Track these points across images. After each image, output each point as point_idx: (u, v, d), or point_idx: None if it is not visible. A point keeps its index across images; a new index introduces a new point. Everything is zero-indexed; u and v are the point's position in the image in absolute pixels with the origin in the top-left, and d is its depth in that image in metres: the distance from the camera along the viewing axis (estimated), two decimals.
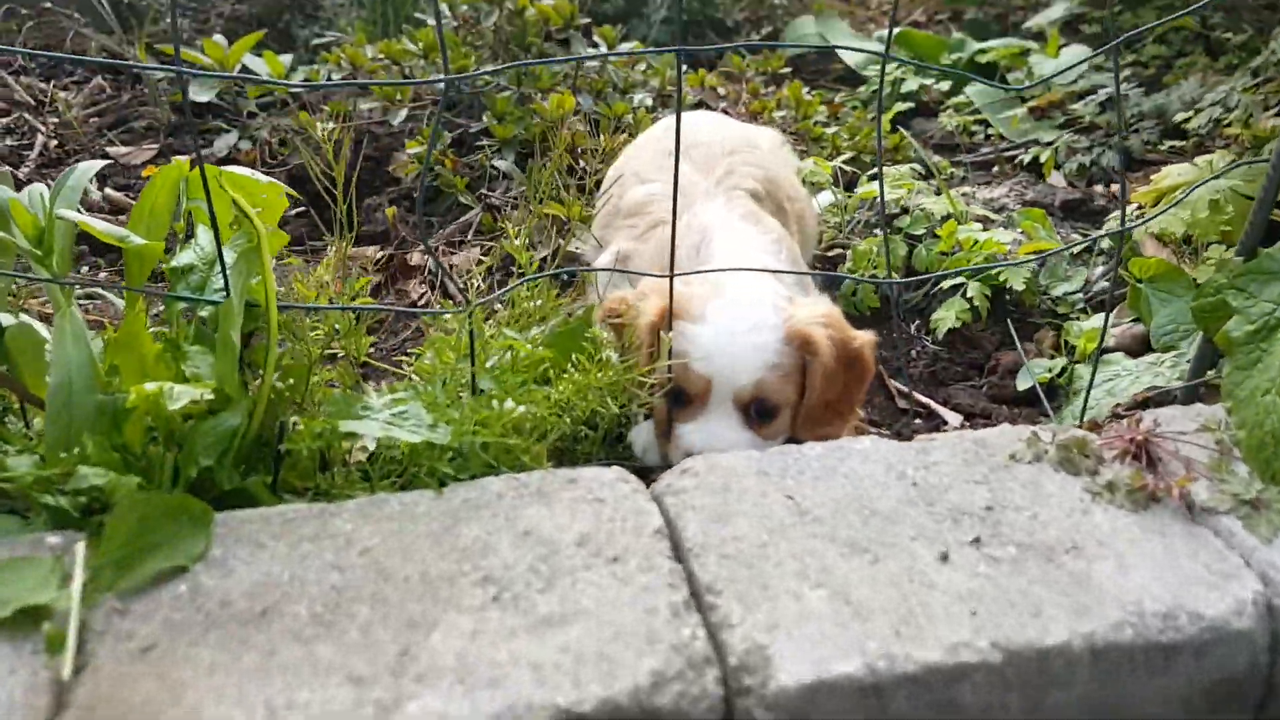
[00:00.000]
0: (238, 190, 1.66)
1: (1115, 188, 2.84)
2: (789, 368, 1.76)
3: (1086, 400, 1.74)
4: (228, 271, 1.44)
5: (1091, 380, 1.74)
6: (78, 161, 3.21)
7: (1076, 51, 3.41)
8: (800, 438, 1.80)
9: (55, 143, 3.26)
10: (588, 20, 2.74)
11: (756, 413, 1.77)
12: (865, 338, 1.82)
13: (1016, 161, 3.13)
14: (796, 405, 1.79)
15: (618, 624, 1.21)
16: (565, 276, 2.15)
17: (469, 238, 2.50)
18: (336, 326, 1.58)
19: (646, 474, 1.78)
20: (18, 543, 1.30)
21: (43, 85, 3.68)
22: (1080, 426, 1.74)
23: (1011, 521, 1.42)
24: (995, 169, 3.10)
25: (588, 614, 1.23)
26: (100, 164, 1.63)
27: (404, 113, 2.53)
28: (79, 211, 1.51)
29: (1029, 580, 1.31)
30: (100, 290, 2.13)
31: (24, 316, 1.70)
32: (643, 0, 3.81)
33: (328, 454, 1.63)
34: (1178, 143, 2.99)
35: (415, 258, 2.57)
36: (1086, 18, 4.00)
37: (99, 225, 1.47)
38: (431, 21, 3.18)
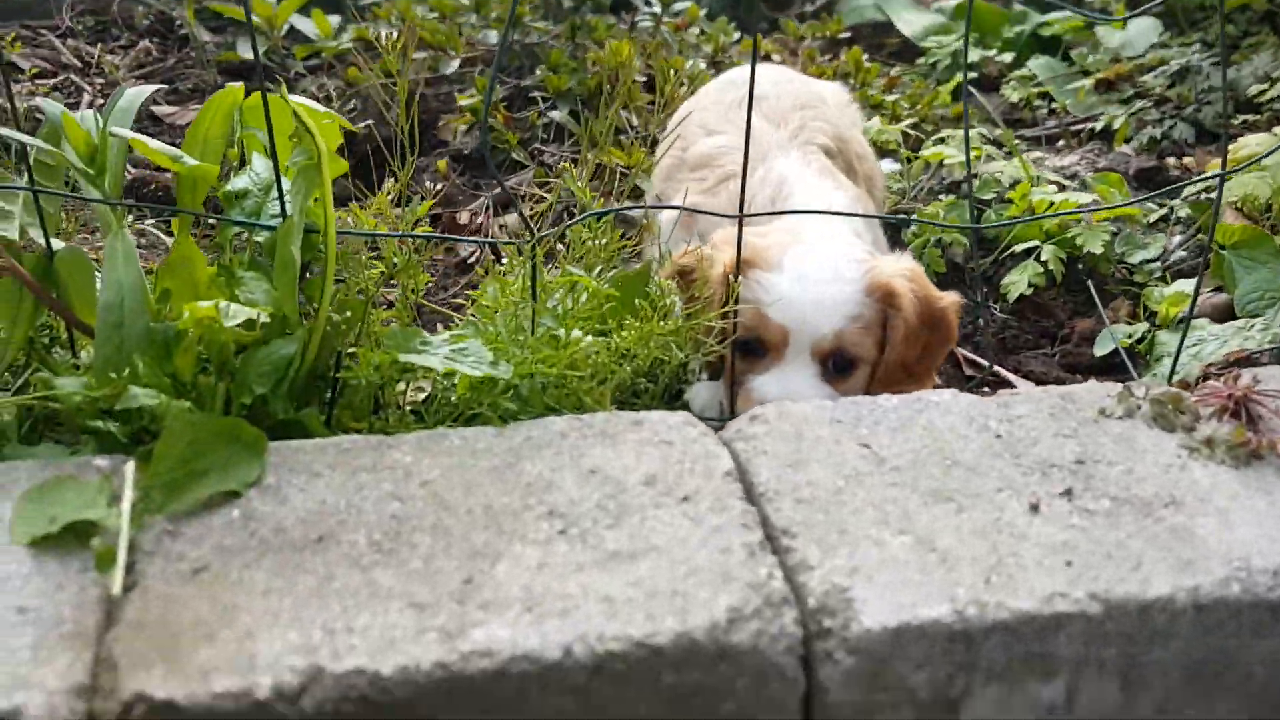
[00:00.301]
0: (291, 120, 1.60)
1: (1188, 159, 2.73)
2: (870, 320, 1.68)
3: (1176, 361, 1.65)
4: (286, 193, 1.38)
5: (1182, 340, 1.65)
6: None
7: (1143, 24, 3.30)
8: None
9: (101, 102, 3.23)
10: None
11: (834, 366, 1.70)
12: (949, 298, 1.75)
13: (1083, 134, 3.03)
14: (875, 363, 1.72)
15: (691, 561, 1.15)
16: (625, 223, 2.07)
17: (521, 192, 2.44)
18: (395, 260, 1.52)
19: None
20: (65, 464, 1.25)
21: (90, 48, 3.66)
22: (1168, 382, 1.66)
23: (1104, 475, 1.34)
24: (1061, 143, 3.00)
25: (659, 551, 1.16)
26: (153, 88, 1.58)
27: (456, 63, 2.48)
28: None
29: (1126, 534, 1.24)
30: (150, 231, 2.09)
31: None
32: None
33: (382, 395, 1.57)
34: (1251, 116, 2.88)
35: (464, 217, 2.52)
36: None
37: (153, 144, 1.41)
38: None
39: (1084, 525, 1.24)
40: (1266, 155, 2.07)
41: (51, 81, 3.41)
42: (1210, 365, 1.69)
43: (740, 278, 1.67)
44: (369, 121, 2.45)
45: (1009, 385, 1.96)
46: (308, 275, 1.54)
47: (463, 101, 2.40)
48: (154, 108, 3.26)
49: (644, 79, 2.52)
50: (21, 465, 1.24)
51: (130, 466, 1.21)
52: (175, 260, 1.41)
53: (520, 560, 1.13)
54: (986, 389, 2.00)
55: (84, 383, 1.33)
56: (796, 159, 1.95)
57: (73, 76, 3.45)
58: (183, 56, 3.59)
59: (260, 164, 1.53)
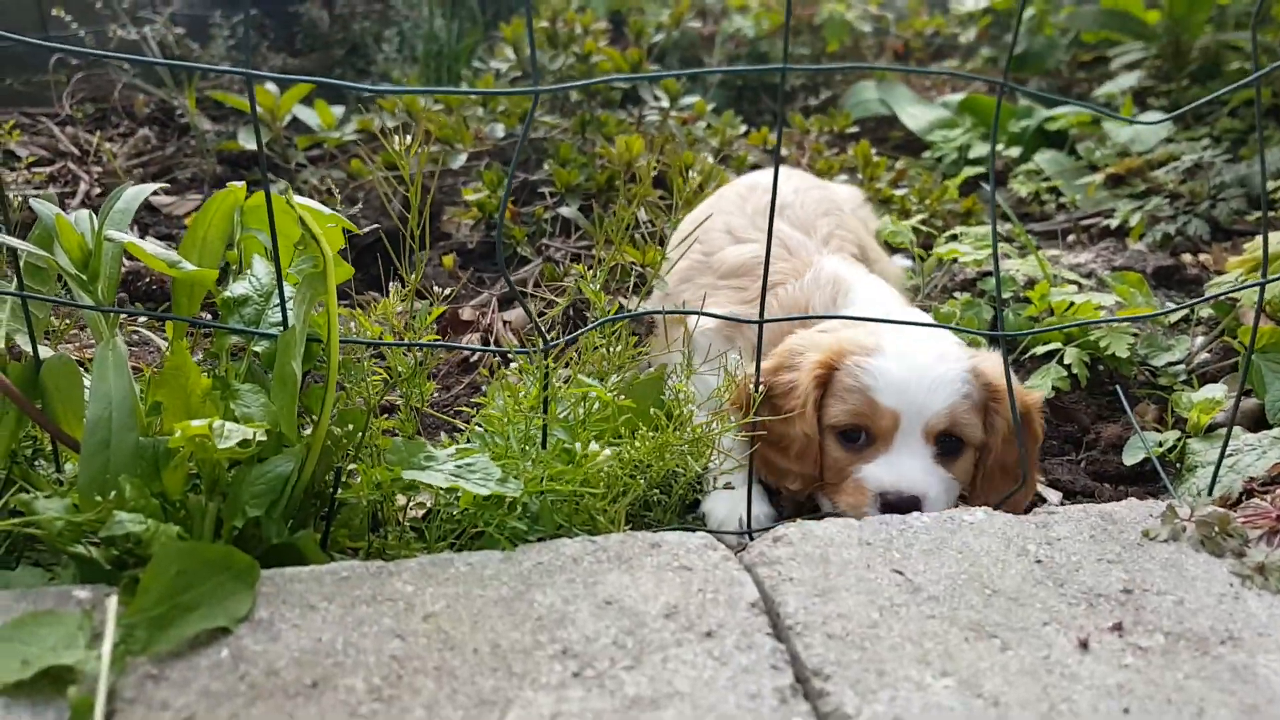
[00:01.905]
0: (294, 223, 1.55)
1: (1204, 256, 2.69)
2: (977, 401, 1.64)
3: (1216, 475, 1.58)
4: (288, 299, 1.32)
5: (1221, 454, 1.58)
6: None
7: (1150, 118, 3.28)
8: (983, 505, 1.67)
9: (98, 191, 3.19)
10: (656, 67, 2.65)
11: (943, 448, 1.64)
12: (1035, 395, 1.71)
13: (1092, 230, 3.00)
14: (980, 448, 1.67)
15: (718, 710, 1.06)
16: (636, 330, 2.00)
17: (528, 290, 2.38)
18: (399, 369, 1.45)
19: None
20: (43, 595, 1.16)
21: (88, 136, 3.63)
22: (1210, 500, 1.58)
23: (1155, 607, 1.25)
24: (1071, 237, 2.96)
25: (683, 697, 1.07)
26: (152, 187, 1.52)
27: (463, 157, 2.44)
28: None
29: (1183, 674, 1.15)
30: (142, 330, 2.02)
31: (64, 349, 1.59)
32: (698, 63, 3.74)
33: (382, 511, 1.49)
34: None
35: (468, 313, 2.45)
36: (1155, 90, 3.90)
37: (149, 248, 1.35)
38: (482, 66, 3.12)
39: (1138, 665, 1.16)
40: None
41: (49, 169, 3.37)
42: (1251, 479, 1.61)
43: (836, 369, 1.64)
44: (375, 225, 2.40)
45: (1039, 496, 1.88)
46: (305, 384, 1.47)
47: (469, 196, 2.35)
48: (152, 199, 3.22)
49: (658, 173, 2.49)
50: None
51: (113, 601, 1.12)
52: (168, 371, 1.34)
53: (532, 708, 1.04)
54: (1013, 496, 1.92)
55: (66, 505, 1.24)
56: (840, 260, 1.94)
57: (70, 165, 3.42)
58: (182, 145, 3.57)
59: (261, 268, 1.46)
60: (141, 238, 3.09)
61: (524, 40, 2.60)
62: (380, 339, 1.41)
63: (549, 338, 1.69)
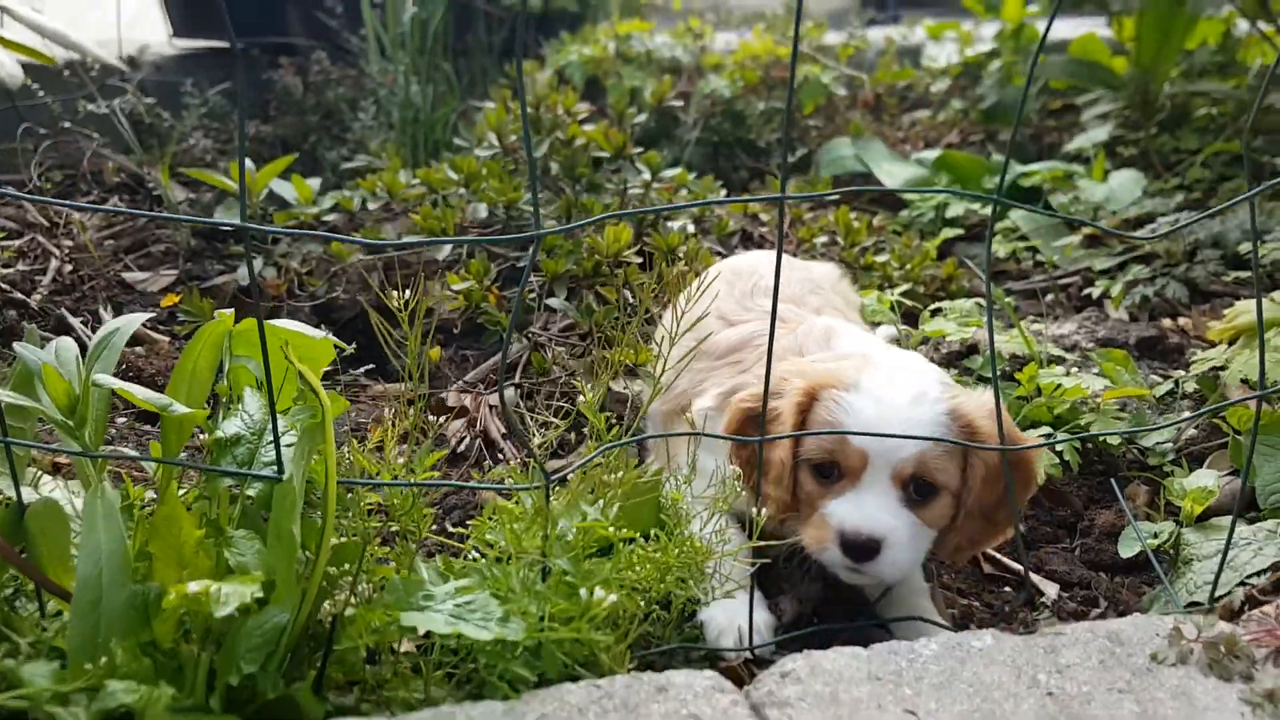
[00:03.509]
0: (288, 346, 1.52)
1: (1183, 320, 2.71)
2: (953, 448, 1.61)
3: (1217, 581, 1.58)
4: (287, 450, 1.29)
5: (1223, 560, 1.58)
6: (92, 287, 3.12)
7: (1124, 176, 3.33)
8: (951, 554, 1.71)
9: (69, 268, 3.13)
10: (639, 149, 2.64)
11: (915, 491, 1.61)
12: (1033, 439, 1.69)
13: (1071, 289, 3.02)
14: (958, 493, 1.64)
15: None
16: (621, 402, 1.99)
17: (515, 376, 2.35)
18: (396, 501, 1.42)
19: (718, 658, 1.62)
20: None
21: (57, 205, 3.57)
22: (1212, 610, 1.58)
23: None
24: (1049, 297, 2.98)
25: None
26: (144, 317, 1.49)
27: (448, 247, 2.41)
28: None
29: None
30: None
31: (49, 483, 1.55)
32: (674, 122, 3.75)
33: (377, 643, 1.46)
34: (1242, 273, 2.87)
35: (453, 398, 2.43)
36: (1124, 140, 3.94)
37: (139, 393, 1.32)
38: (462, 143, 3.10)
39: None
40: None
41: (17, 243, 3.32)
42: (1251, 584, 1.62)
43: (816, 400, 1.63)
44: (356, 322, 2.36)
45: (1037, 589, 1.88)
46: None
47: (455, 285, 2.32)
48: (125, 274, 3.17)
49: (643, 250, 2.48)
50: None
51: None
52: (160, 521, 1.30)
53: None
54: (1008, 587, 1.92)
55: (54, 671, 1.21)
56: (830, 317, 1.99)
57: (39, 237, 3.36)
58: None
59: (253, 403, 1.43)
60: (115, 317, 3.05)
61: (506, 128, 2.59)
62: (376, 474, 1.39)
63: (546, 442, 1.68)
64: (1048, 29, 1.32)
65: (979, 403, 1.65)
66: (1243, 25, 4.19)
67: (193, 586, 1.18)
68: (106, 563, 1.25)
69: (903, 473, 1.60)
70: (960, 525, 1.65)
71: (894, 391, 1.62)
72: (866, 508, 1.59)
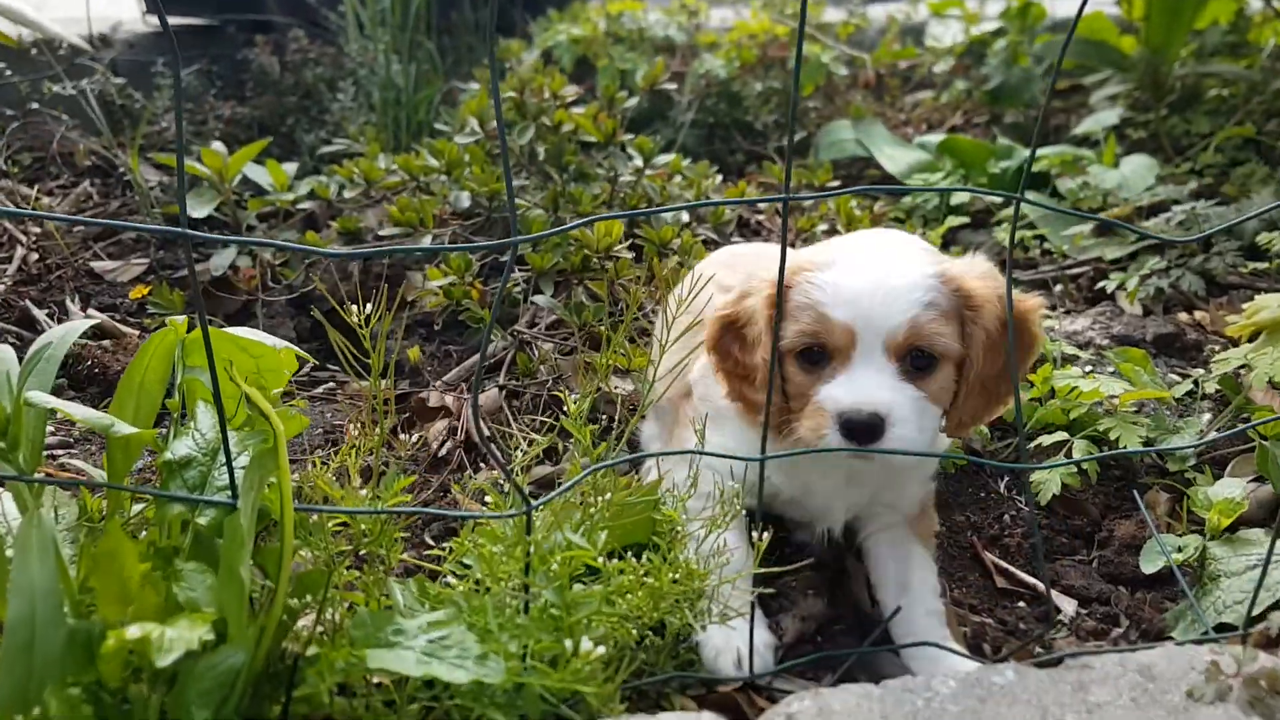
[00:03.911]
0: (245, 355, 1.40)
1: (1200, 314, 2.60)
2: (948, 310, 1.48)
3: (1253, 604, 1.47)
4: (241, 473, 1.17)
5: (1261, 581, 1.47)
6: (59, 276, 2.98)
7: (1137, 162, 3.20)
8: (960, 424, 1.57)
9: (35, 256, 2.99)
10: (630, 135, 2.51)
11: (913, 363, 1.49)
12: (1032, 300, 1.56)
13: (1081, 280, 2.90)
14: (961, 362, 1.51)
15: None
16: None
17: (499, 375, 2.23)
18: (364, 528, 1.30)
19: (715, 684, 1.51)
20: None
21: (26, 190, 3.42)
22: (1247, 636, 1.47)
23: None
24: (1059, 288, 2.86)
25: None
26: (85, 324, 1.37)
27: (428, 239, 2.28)
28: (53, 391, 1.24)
29: None
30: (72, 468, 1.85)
31: None
32: (668, 103, 3.61)
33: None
34: (1260, 264, 2.76)
35: (434, 398, 2.30)
36: (1134, 122, 3.81)
37: (79, 412, 1.19)
38: (444, 127, 2.97)
39: None
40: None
41: None
42: None
43: (790, 289, 1.50)
44: (334, 313, 2.24)
45: (1056, 607, 1.77)
46: (260, 542, 1.32)
47: (435, 280, 2.19)
48: (93, 263, 3.03)
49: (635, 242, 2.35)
50: None
51: None
52: (101, 554, 1.18)
53: None
54: (1022, 602, 1.81)
55: None
56: None
57: (5, 224, 3.21)
58: (127, 200, 3.37)
59: (205, 421, 1.31)
60: (83, 309, 2.91)
61: (489, 113, 2.46)
62: (341, 501, 1.26)
63: (530, 458, 1.56)
64: (1080, 10, 1.19)
65: (969, 266, 1.54)
66: (1255, 4, 4.06)
67: (133, 630, 1.07)
68: (41, 601, 1.13)
69: (897, 343, 1.46)
70: (969, 398, 1.53)
71: (874, 261, 1.50)
72: (862, 385, 1.45)
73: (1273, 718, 1.25)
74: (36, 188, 3.48)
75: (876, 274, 1.47)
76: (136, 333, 2.69)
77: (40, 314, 2.73)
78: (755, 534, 1.39)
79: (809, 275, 1.49)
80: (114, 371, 2.44)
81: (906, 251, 1.55)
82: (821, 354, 1.50)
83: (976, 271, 1.53)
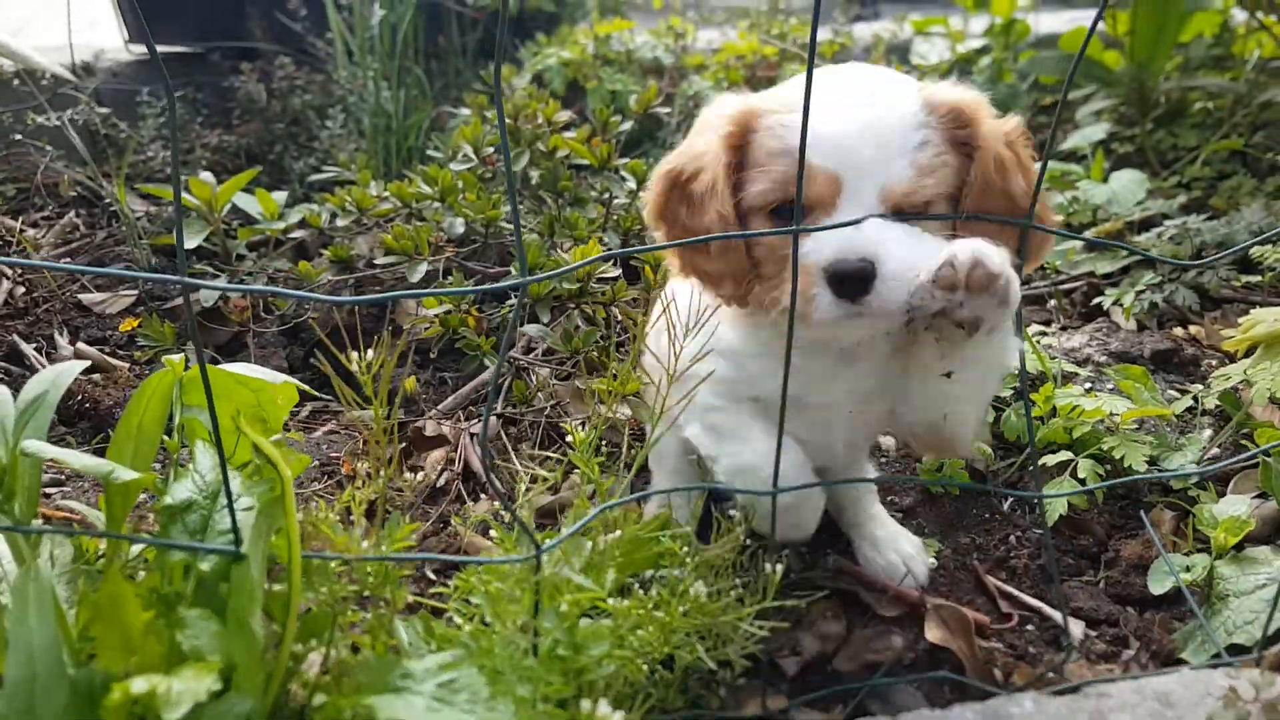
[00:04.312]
0: (244, 389, 1.38)
1: (1195, 329, 2.60)
2: (944, 146, 1.30)
3: (1269, 625, 1.46)
4: (243, 516, 1.14)
5: (1272, 613, 1.46)
6: (47, 310, 2.95)
7: (1127, 177, 3.21)
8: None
9: (22, 289, 2.96)
10: (623, 159, 2.50)
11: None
12: (1014, 120, 1.39)
13: (1074, 295, 2.90)
14: (953, 195, 1.34)
15: None
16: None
17: (497, 405, 2.21)
18: (368, 569, 1.28)
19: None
20: None
21: (9, 221, 3.39)
22: (1261, 659, 1.46)
23: None
24: (1052, 303, 2.86)
25: None
26: (79, 367, 1.34)
27: (423, 268, 2.26)
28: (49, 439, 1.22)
29: None
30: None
31: None
32: (657, 124, 3.60)
33: None
34: (1254, 278, 2.76)
35: (431, 426, 2.28)
36: (1120, 136, 3.83)
37: (76, 461, 1.17)
38: (435, 154, 2.95)
39: None
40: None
41: None
42: None
43: (753, 133, 1.33)
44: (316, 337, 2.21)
45: (1061, 629, 1.75)
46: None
47: (430, 310, 2.17)
48: (81, 295, 3.00)
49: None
50: None
51: None
52: (104, 602, 1.15)
53: None
54: (1029, 626, 1.79)
55: None
56: None
57: None
58: (113, 231, 3.34)
59: (205, 462, 1.28)
60: (71, 343, 2.87)
61: (483, 139, 2.44)
62: (345, 546, 1.24)
63: (534, 493, 1.53)
64: (1093, 26, 1.19)
65: (960, 90, 1.36)
66: (1239, 16, 4.09)
67: (139, 684, 1.04)
68: (40, 659, 1.10)
69: (895, 195, 1.28)
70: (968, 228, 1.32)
71: (853, 93, 1.31)
72: (847, 230, 1.24)
73: None
74: (21, 219, 3.44)
75: (858, 108, 1.29)
76: (127, 365, 2.66)
77: (29, 348, 2.70)
78: (769, 566, 1.37)
79: (779, 118, 1.31)
80: (105, 406, 2.41)
81: (888, 80, 1.37)
82: (801, 210, 1.23)
83: (966, 93, 1.36)
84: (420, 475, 1.31)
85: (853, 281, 1.25)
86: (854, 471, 1.80)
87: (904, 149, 1.28)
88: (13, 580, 1.17)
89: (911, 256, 1.25)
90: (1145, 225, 3.02)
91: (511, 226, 2.28)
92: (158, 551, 1.27)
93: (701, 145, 1.39)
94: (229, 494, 1.19)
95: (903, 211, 1.29)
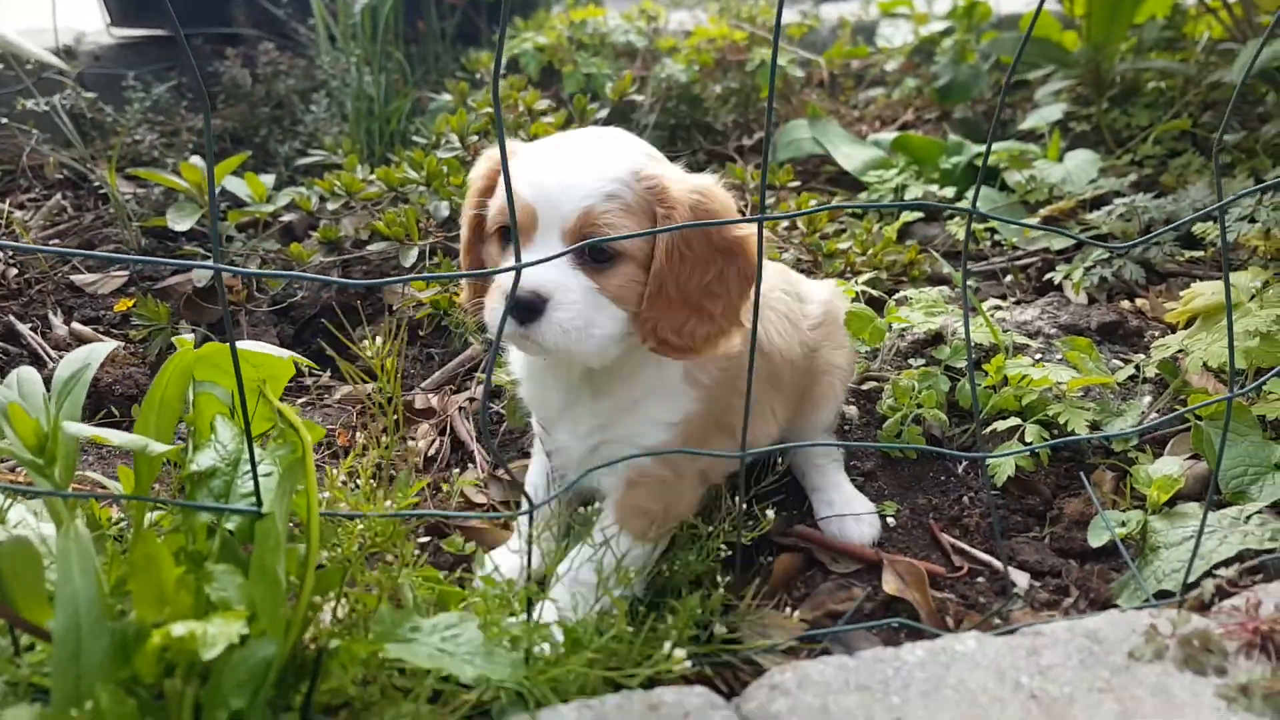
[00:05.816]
0: (249, 365, 1.50)
1: (1141, 302, 2.76)
2: (634, 206, 1.47)
3: (1189, 572, 1.61)
4: (265, 481, 1.27)
5: (1195, 551, 1.62)
6: (40, 290, 3.03)
7: (1081, 157, 3.36)
8: (653, 331, 1.53)
9: (15, 271, 3.04)
10: None
11: (592, 256, 1.50)
12: (748, 229, 1.52)
13: (1030, 270, 3.05)
14: (645, 266, 1.51)
15: None
16: None
17: (479, 374, 2.33)
18: (376, 529, 1.40)
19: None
20: None
21: None
22: (1183, 602, 1.62)
23: None
24: (1008, 278, 3.01)
25: None
26: (108, 347, 1.45)
27: (415, 252, 2.37)
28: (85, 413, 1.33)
29: None
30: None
31: (18, 514, 1.51)
32: (631, 106, 3.72)
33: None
34: (1197, 253, 2.92)
35: (421, 399, 2.40)
36: (1077, 115, 3.98)
37: (115, 437, 1.29)
38: (418, 139, 3.05)
39: None
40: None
41: None
42: (1220, 574, 1.65)
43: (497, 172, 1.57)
44: (316, 321, 2.32)
45: (1012, 581, 1.91)
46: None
47: (422, 294, 2.29)
48: (73, 276, 3.09)
49: None
50: None
51: None
52: (138, 560, 1.27)
53: None
54: (980, 578, 1.95)
55: (37, 714, 1.18)
56: None
57: None
58: (101, 213, 3.42)
59: (226, 433, 1.41)
60: (66, 323, 2.96)
61: (467, 129, 2.55)
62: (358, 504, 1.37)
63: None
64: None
65: (680, 177, 1.53)
66: None
67: (178, 629, 1.17)
68: (85, 611, 1.22)
69: (569, 228, 1.47)
70: (656, 304, 1.51)
71: (573, 150, 1.53)
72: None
73: (1205, 673, 1.39)
74: (8, 200, 3.51)
75: (563, 159, 1.50)
76: (121, 344, 2.76)
77: (24, 328, 2.79)
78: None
79: (516, 159, 1.52)
80: (104, 384, 2.51)
81: (613, 148, 1.55)
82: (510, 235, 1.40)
83: (680, 181, 1.51)
84: (421, 442, 1.43)
85: (523, 309, 1.45)
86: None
87: (588, 195, 1.46)
88: (54, 543, 1.29)
89: (582, 311, 1.48)
90: (1098, 203, 3.17)
91: None
92: (184, 514, 1.39)
93: (473, 178, 1.67)
94: (253, 459, 1.32)
95: (583, 253, 1.48)
